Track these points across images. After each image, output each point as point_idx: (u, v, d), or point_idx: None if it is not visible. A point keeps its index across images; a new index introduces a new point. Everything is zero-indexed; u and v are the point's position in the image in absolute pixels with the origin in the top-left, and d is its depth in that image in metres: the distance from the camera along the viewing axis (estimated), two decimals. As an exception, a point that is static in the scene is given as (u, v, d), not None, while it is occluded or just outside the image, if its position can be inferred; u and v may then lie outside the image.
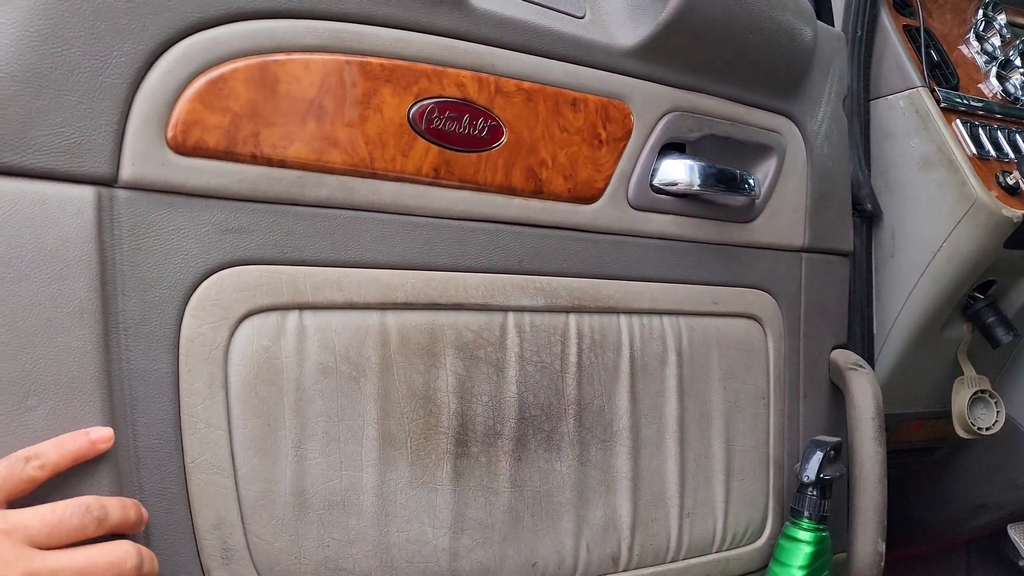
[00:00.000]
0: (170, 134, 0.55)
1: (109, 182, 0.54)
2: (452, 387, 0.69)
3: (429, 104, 0.66)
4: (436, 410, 0.68)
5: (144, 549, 0.51)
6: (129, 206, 0.54)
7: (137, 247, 0.55)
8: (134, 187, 0.55)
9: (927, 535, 1.47)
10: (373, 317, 0.65)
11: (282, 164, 0.60)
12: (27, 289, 0.50)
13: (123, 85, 0.53)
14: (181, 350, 0.57)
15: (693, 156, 0.84)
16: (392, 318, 0.66)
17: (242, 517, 0.59)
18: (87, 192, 0.53)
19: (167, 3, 0.54)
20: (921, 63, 1.10)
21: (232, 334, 0.59)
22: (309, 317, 0.62)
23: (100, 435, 0.53)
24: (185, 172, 0.56)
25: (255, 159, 0.59)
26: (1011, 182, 1.05)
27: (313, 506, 0.61)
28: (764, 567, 0.90)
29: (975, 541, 1.53)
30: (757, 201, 0.90)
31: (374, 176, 0.64)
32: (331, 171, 0.62)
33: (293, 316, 0.61)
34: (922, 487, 1.42)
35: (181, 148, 0.56)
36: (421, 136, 0.66)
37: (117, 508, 0.51)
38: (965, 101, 1.11)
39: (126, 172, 0.54)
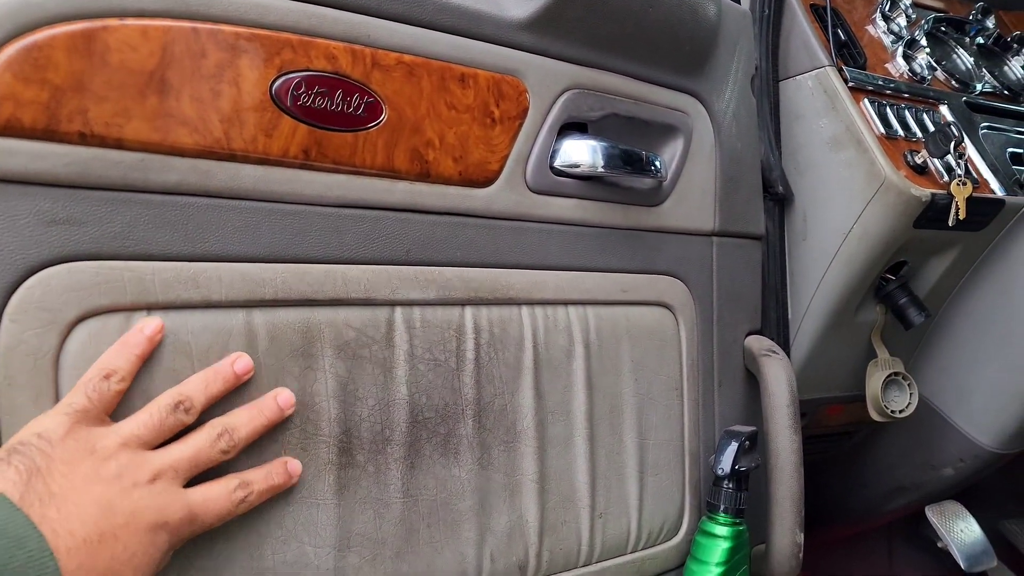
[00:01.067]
0: (-26, 110, 0.48)
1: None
2: (332, 391, 0.62)
3: (295, 78, 0.59)
4: (315, 417, 0.61)
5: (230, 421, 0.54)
6: (-74, 195, 0.47)
7: (-62, 243, 0.47)
8: (-68, 173, 0.47)
9: (848, 518, 1.47)
10: (237, 316, 0.58)
11: (119, 145, 0.52)
12: None
13: (-89, 52, 0.45)
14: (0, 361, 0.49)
15: (596, 136, 0.80)
16: (260, 316, 0.59)
17: (82, 550, 0.51)
18: None
19: (-36, -44, 0.46)
20: (828, 42, 1.08)
21: (63, 341, 0.51)
22: (159, 319, 0.54)
23: (243, 366, 0.56)
24: (-3, 154, 0.48)
25: (85, 139, 0.51)
26: (919, 161, 1.03)
27: (169, 532, 0.54)
28: (682, 565, 0.86)
29: (896, 523, 1.54)
30: (664, 184, 0.86)
31: (233, 159, 0.57)
32: (180, 153, 0.55)
33: (139, 318, 0.54)
34: (841, 471, 1.41)
35: (-10, 126, 0.48)
36: (286, 114, 0.59)
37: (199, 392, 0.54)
38: (873, 80, 1.09)
39: (-79, 155, 0.46)
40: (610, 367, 0.80)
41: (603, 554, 0.79)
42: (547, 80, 0.75)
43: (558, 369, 0.76)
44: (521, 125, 0.73)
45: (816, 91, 1.07)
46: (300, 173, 0.61)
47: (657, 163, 0.82)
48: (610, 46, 0.79)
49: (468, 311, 0.71)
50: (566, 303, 0.78)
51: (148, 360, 0.53)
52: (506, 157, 0.72)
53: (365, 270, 0.64)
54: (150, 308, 0.54)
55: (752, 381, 0.96)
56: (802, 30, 1.09)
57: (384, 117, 0.64)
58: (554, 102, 0.76)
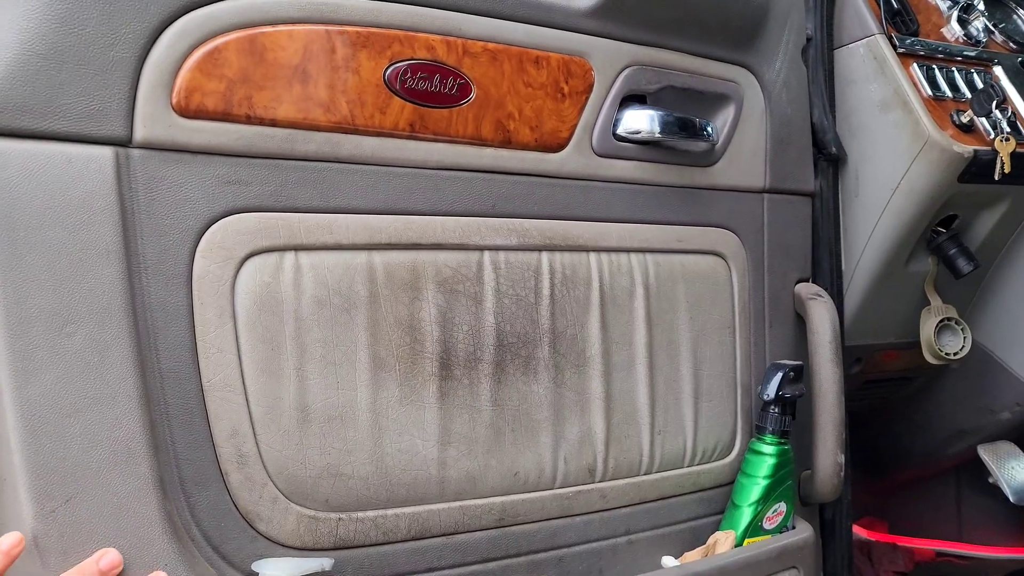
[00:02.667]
0: (175, 100, 0.64)
1: (124, 143, 0.63)
2: (435, 317, 0.78)
3: (402, 66, 0.74)
4: (421, 337, 0.77)
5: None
6: (143, 163, 0.64)
7: (152, 198, 0.64)
8: (146, 147, 0.64)
9: (912, 462, 1.55)
10: (361, 256, 0.74)
11: (273, 123, 0.69)
12: (60, 235, 0.60)
13: (132, 58, 0.62)
14: (194, 286, 0.66)
15: (654, 106, 0.92)
16: (378, 257, 0.75)
17: (253, 429, 0.68)
18: (106, 152, 0.62)
19: (166, -14, 0.63)
20: (880, 11, 1.17)
21: (237, 272, 0.68)
22: (304, 257, 0.71)
23: (108, 562, 0.59)
24: (189, 132, 0.65)
25: (249, 119, 0.68)
26: (965, 120, 1.11)
27: (315, 419, 0.71)
28: (732, 481, 0.99)
29: (963, 467, 1.61)
30: (716, 147, 0.98)
31: (356, 132, 0.73)
32: (317, 128, 0.71)
33: (290, 256, 0.70)
34: (903, 416, 1.49)
35: (185, 111, 0.65)
36: (396, 95, 0.74)
37: None
38: (924, 45, 1.17)
39: (139, 134, 0.63)
40: (667, 306, 0.93)
41: (662, 466, 0.93)
42: (609, 59, 0.88)
43: (621, 307, 0.90)
44: (588, 99, 0.87)
45: (867, 58, 1.16)
46: (407, 143, 0.76)
47: (709, 128, 0.94)
48: (665, 27, 0.91)
49: (544, 256, 0.85)
50: (628, 251, 0.91)
51: (297, 289, 0.70)
52: (575, 126, 0.86)
53: (459, 221, 0.79)
54: (297, 249, 0.71)
55: (801, 324, 1.07)
56: (854, 1, 1.18)
57: (473, 95, 0.79)
58: (616, 77, 0.89)
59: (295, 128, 0.70)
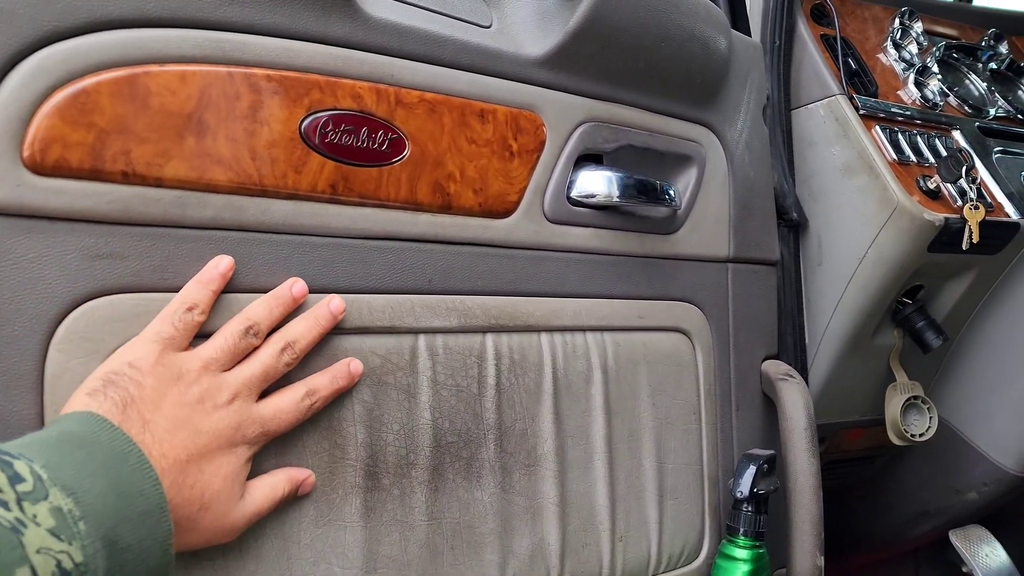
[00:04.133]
0: (26, 153, 0.51)
1: (-43, 207, 0.49)
2: (359, 416, 0.64)
3: (323, 117, 0.62)
4: (342, 442, 0.63)
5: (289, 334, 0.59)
6: (-19, 233, 0.50)
7: (-9, 277, 0.50)
8: (-14, 212, 0.50)
9: (873, 544, 1.46)
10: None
11: (159, 183, 0.56)
12: None
13: (-32, 100, 0.49)
14: (46, 388, 0.52)
15: (611, 167, 0.82)
16: (289, 345, 0.61)
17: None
18: None
19: (17, 11, 0.50)
20: (839, 71, 1.11)
21: (105, 369, 0.54)
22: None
23: (300, 290, 0.61)
24: (44, 194, 0.52)
25: (127, 178, 0.54)
26: (932, 186, 1.05)
27: (204, 552, 0.56)
28: (703, 589, 0.87)
29: (922, 548, 1.53)
30: (679, 212, 0.88)
31: (264, 194, 0.60)
32: (215, 190, 0.58)
33: (176, 347, 0.56)
34: (865, 496, 1.41)
35: (39, 168, 0.51)
36: (315, 151, 0.62)
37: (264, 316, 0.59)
38: (884, 108, 1.11)
39: (-24, 196, 0.49)
40: (628, 392, 0.82)
41: (624, 577, 0.81)
42: (563, 114, 0.78)
43: (577, 394, 0.78)
44: (539, 158, 0.76)
45: (828, 119, 1.09)
46: (327, 207, 0.63)
47: (671, 192, 0.84)
48: (624, 80, 0.82)
49: (489, 338, 0.73)
50: (584, 329, 0.80)
51: None
52: (524, 189, 0.75)
53: (389, 299, 0.67)
54: (186, 337, 0.57)
55: (770, 405, 0.97)
56: (813, 60, 1.12)
57: (407, 152, 0.67)
58: (570, 135, 0.78)
59: (187, 189, 0.57)
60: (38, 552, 0.38)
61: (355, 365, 0.63)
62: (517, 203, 0.75)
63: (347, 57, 0.64)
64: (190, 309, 0.55)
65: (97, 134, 0.53)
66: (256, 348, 0.58)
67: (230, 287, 0.59)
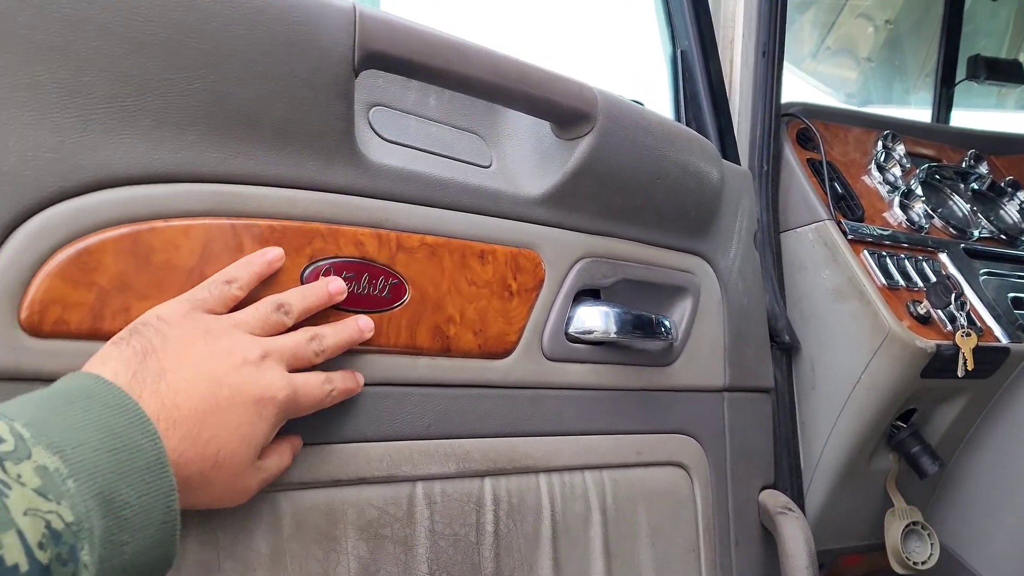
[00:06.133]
0: (24, 315, 0.50)
1: (-52, 373, 0.47)
2: (355, 573, 0.62)
3: (324, 265, 0.62)
4: (335, 601, 0.61)
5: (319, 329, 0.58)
6: (-28, 399, 0.48)
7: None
8: (-22, 376, 0.48)
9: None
10: (263, 503, 0.58)
11: (157, 340, 0.54)
12: None
13: (-32, 264, 0.48)
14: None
15: (608, 301, 0.82)
16: (285, 502, 0.59)
17: None
18: None
19: (22, 173, 0.49)
20: (826, 196, 1.13)
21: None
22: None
23: (337, 287, 0.61)
24: (41, 356, 0.50)
25: (125, 336, 0.53)
26: (922, 311, 1.06)
27: None
28: None
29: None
30: (675, 344, 0.88)
31: (263, 345, 0.59)
32: (214, 343, 0.57)
33: (167, 509, 0.54)
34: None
35: (37, 330, 0.50)
36: (316, 300, 0.61)
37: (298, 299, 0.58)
38: (871, 232, 1.13)
39: (-31, 360, 0.48)
40: (627, 533, 0.80)
41: None
42: (562, 251, 0.78)
43: (576, 537, 0.76)
44: (538, 295, 0.76)
45: (817, 244, 1.11)
46: (327, 355, 0.62)
47: (667, 324, 0.84)
48: (621, 216, 0.82)
49: (487, 482, 0.71)
50: (582, 468, 0.78)
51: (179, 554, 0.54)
52: (523, 327, 0.74)
53: (388, 447, 0.65)
54: (178, 498, 0.55)
55: (768, 537, 0.95)
56: (800, 184, 1.14)
57: (408, 297, 0.66)
58: (569, 271, 0.78)
59: (185, 344, 0.56)
60: (25, 514, 0.36)
61: (360, 377, 0.63)
62: (516, 342, 0.74)
63: (349, 204, 0.64)
64: (228, 282, 0.55)
65: (98, 293, 0.52)
66: (287, 331, 0.57)
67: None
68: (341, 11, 0.61)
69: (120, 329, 0.53)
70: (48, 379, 0.50)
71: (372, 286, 0.64)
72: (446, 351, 0.69)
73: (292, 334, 0.57)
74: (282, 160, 0.60)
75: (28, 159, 0.50)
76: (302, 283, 0.61)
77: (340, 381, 0.60)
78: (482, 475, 0.71)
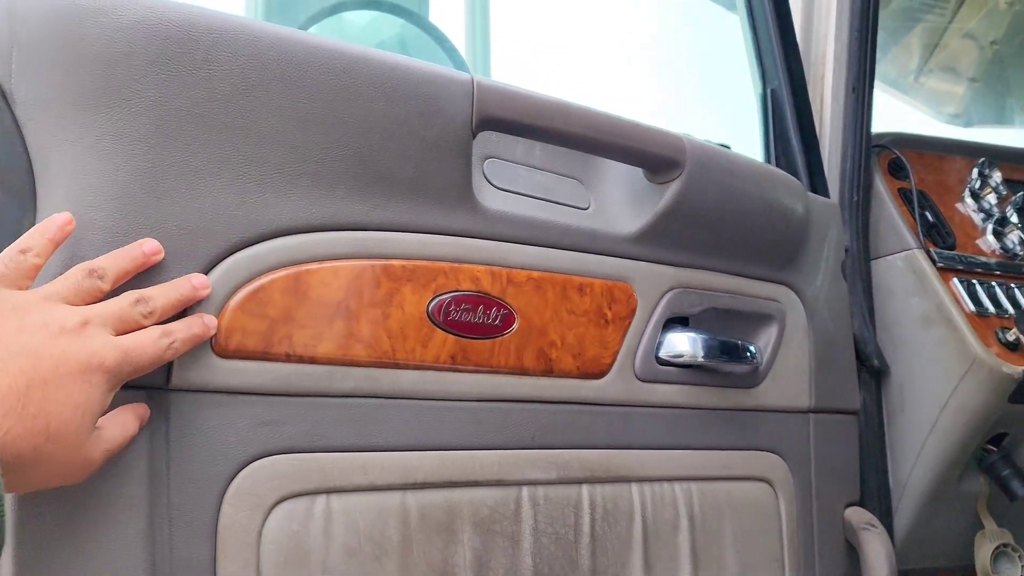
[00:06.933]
0: (215, 340, 0.62)
1: (160, 386, 0.60)
2: (470, 562, 0.72)
3: (446, 298, 0.73)
4: (454, 585, 0.71)
5: (144, 292, 0.57)
6: (177, 407, 0.61)
7: (183, 444, 0.61)
8: (182, 390, 0.61)
9: None
10: (395, 497, 0.70)
11: (312, 361, 0.67)
12: (86, 486, 0.56)
13: (176, 301, 0.61)
14: (219, 537, 0.62)
15: (696, 328, 0.90)
16: (412, 497, 0.70)
17: None
18: (139, 397, 0.59)
19: (214, 227, 0.62)
20: (916, 225, 1.17)
21: (265, 520, 0.64)
22: (336, 501, 0.67)
23: (152, 248, 0.59)
24: (227, 374, 0.63)
25: (288, 358, 0.65)
26: (1011, 338, 1.08)
27: None
28: None
29: None
30: (760, 367, 0.95)
31: (396, 366, 0.71)
32: (356, 364, 0.69)
33: (321, 501, 0.66)
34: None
35: (224, 352, 0.63)
36: (439, 328, 0.72)
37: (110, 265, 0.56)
38: (962, 260, 1.16)
39: (175, 377, 0.61)
40: (714, 540, 0.88)
41: None
42: (653, 283, 0.87)
43: (665, 542, 0.84)
44: (630, 323, 0.85)
45: (906, 272, 1.15)
46: (447, 375, 0.73)
47: (752, 349, 0.91)
48: (708, 250, 0.90)
49: (584, 489, 0.80)
50: (671, 480, 0.86)
51: (327, 537, 0.65)
52: (617, 352, 0.84)
53: (498, 455, 0.76)
54: (329, 492, 0.67)
55: (853, 553, 1.00)
56: (890, 214, 1.19)
57: (516, 325, 0.77)
58: (659, 301, 0.87)
59: (334, 365, 0.68)
60: None
61: (208, 319, 0.61)
62: (610, 365, 0.83)
63: (467, 245, 0.75)
64: (23, 251, 0.53)
65: (269, 323, 0.64)
66: (106, 298, 0.56)
67: (363, 448, 0.69)
68: (461, 84, 0.72)
69: (284, 353, 0.65)
70: (231, 392, 0.63)
71: (486, 316, 0.75)
72: (548, 372, 0.79)
73: (115, 299, 0.55)
74: (413, 210, 0.72)
75: (219, 217, 0.63)
76: (427, 316, 0.72)
77: (183, 330, 0.58)
78: (580, 482, 0.80)
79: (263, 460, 0.64)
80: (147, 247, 0.58)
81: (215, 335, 0.62)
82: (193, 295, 0.60)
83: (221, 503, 0.62)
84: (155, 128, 0.60)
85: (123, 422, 0.56)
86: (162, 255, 0.60)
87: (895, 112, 2.07)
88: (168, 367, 0.60)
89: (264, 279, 0.65)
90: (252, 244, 0.64)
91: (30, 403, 0.47)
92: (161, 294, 0.58)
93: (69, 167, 0.58)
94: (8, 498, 0.44)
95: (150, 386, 0.60)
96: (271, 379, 0.65)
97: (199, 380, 0.62)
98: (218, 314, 0.63)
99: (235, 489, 0.63)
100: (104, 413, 0.54)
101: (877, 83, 1.24)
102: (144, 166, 0.60)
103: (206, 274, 0.62)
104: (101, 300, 0.55)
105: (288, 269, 0.66)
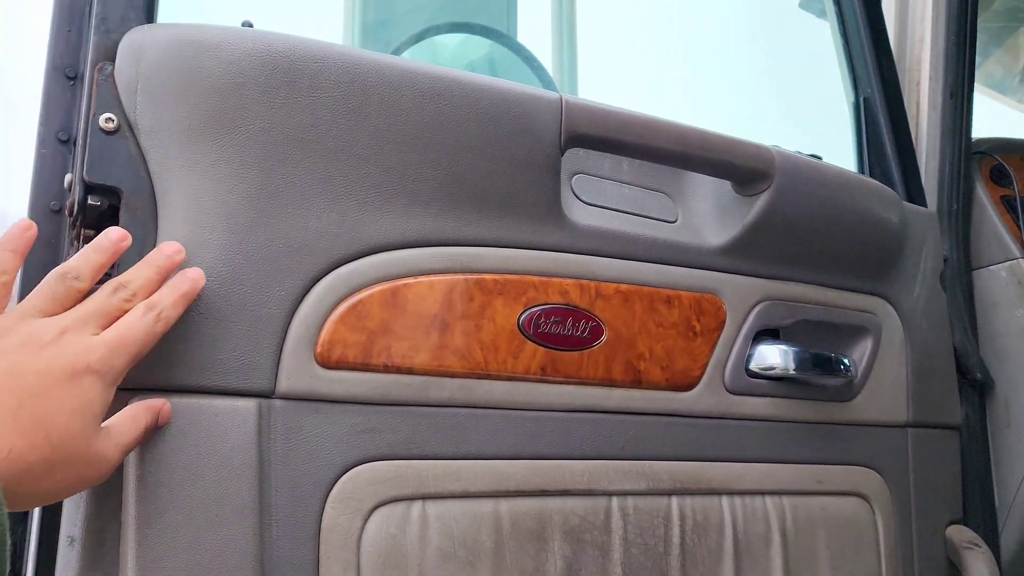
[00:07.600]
0: (318, 351, 0.66)
1: (268, 394, 0.64)
2: (560, 570, 0.74)
3: (536, 311, 0.75)
4: (545, 592, 0.73)
5: (120, 278, 0.57)
6: (283, 414, 0.65)
7: (289, 449, 0.65)
8: (288, 397, 0.65)
9: None
10: (487, 505, 0.72)
11: (410, 371, 0.69)
12: (200, 491, 0.60)
13: (282, 315, 0.65)
14: (321, 539, 0.65)
15: (787, 341, 0.89)
16: (504, 505, 0.72)
17: None
18: (251, 405, 0.63)
19: (318, 245, 0.66)
20: (1020, 233, 1.13)
21: (364, 523, 0.66)
22: (431, 506, 0.69)
23: (117, 235, 0.58)
24: (329, 383, 0.66)
25: (387, 368, 0.68)
26: None
27: None
28: None
29: None
30: (855, 380, 0.93)
31: (488, 377, 0.73)
32: (451, 375, 0.71)
33: (417, 506, 0.69)
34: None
35: (326, 362, 0.66)
36: (529, 340, 0.74)
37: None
38: (1071, 269, 1.11)
39: (282, 385, 0.65)
40: (807, 556, 0.86)
41: None
42: (742, 295, 0.86)
43: (757, 556, 0.83)
44: (719, 336, 0.85)
45: (1010, 282, 1.11)
46: (537, 386, 0.75)
47: (846, 362, 0.90)
48: (799, 261, 0.90)
49: (674, 501, 0.80)
50: (763, 493, 0.86)
51: (423, 541, 0.68)
52: (706, 364, 0.84)
53: (587, 465, 0.77)
54: (424, 498, 0.69)
55: (955, 572, 0.97)
56: (992, 222, 1.15)
57: (604, 337, 0.78)
58: (748, 313, 0.87)
59: (430, 375, 0.70)
60: None
61: (193, 271, 0.60)
62: (700, 377, 0.83)
63: (557, 259, 0.77)
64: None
65: (368, 335, 0.68)
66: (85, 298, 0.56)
67: (457, 456, 0.71)
68: (550, 102, 0.74)
69: (383, 364, 0.68)
70: (331, 400, 0.67)
71: (575, 328, 0.77)
72: (637, 383, 0.80)
73: (93, 295, 0.56)
74: (504, 226, 0.74)
75: (322, 235, 0.66)
76: (518, 328, 0.74)
77: (168, 295, 0.58)
78: (669, 494, 0.80)
79: (363, 466, 0.67)
80: (113, 235, 0.58)
81: (317, 346, 0.66)
82: (168, 264, 0.59)
83: (324, 506, 0.65)
84: (264, 153, 0.64)
85: (133, 417, 0.57)
86: (129, 241, 0.59)
87: (998, 117, 1.99)
88: (275, 375, 0.64)
89: (363, 293, 0.68)
90: (352, 260, 0.68)
91: (23, 419, 0.48)
92: (138, 274, 0.58)
93: (186, 191, 0.63)
94: (6, 517, 0.45)
95: (259, 394, 0.64)
96: (370, 388, 0.68)
97: (303, 388, 0.66)
98: (320, 326, 0.66)
99: (337, 493, 0.66)
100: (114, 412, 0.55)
101: (978, 86, 1.20)
102: (254, 189, 0.64)
103: (308, 291, 0.66)
104: (84, 299, 0.55)
105: (386, 284, 0.69)
